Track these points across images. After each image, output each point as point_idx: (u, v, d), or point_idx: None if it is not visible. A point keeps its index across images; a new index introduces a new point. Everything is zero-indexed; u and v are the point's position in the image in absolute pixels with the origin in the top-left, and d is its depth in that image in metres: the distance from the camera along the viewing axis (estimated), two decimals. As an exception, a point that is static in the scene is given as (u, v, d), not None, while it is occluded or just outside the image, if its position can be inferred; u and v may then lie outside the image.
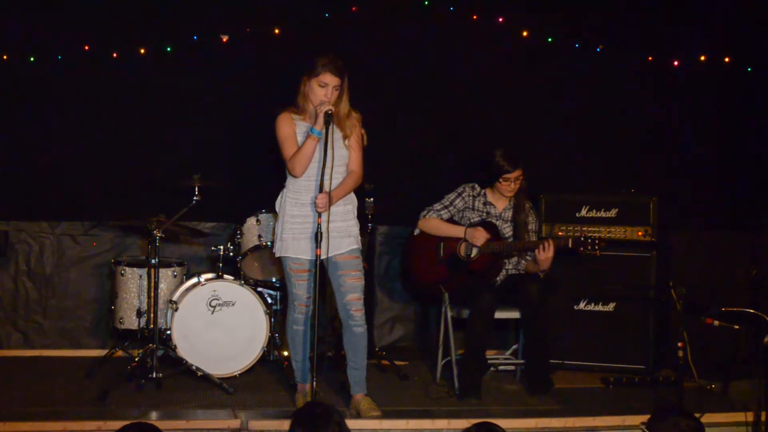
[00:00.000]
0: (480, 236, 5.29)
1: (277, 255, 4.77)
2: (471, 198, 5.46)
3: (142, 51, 5.93)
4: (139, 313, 5.51)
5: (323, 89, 4.59)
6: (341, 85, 4.63)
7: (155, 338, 5.23)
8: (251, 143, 5.89)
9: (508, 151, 5.32)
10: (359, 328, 4.76)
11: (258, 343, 5.39)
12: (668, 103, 6.44)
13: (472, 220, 5.44)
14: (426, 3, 6.22)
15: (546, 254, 5.16)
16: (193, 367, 5.23)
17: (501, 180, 5.34)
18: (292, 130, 4.69)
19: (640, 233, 5.77)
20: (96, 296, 6.07)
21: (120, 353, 5.62)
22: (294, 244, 4.70)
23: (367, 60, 5.99)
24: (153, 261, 5.29)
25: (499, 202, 5.48)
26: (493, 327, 5.33)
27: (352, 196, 4.80)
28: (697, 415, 4.67)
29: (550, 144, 6.32)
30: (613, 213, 5.83)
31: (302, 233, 4.67)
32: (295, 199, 4.69)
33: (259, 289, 5.68)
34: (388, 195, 5.84)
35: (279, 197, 4.79)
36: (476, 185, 5.49)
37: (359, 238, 4.78)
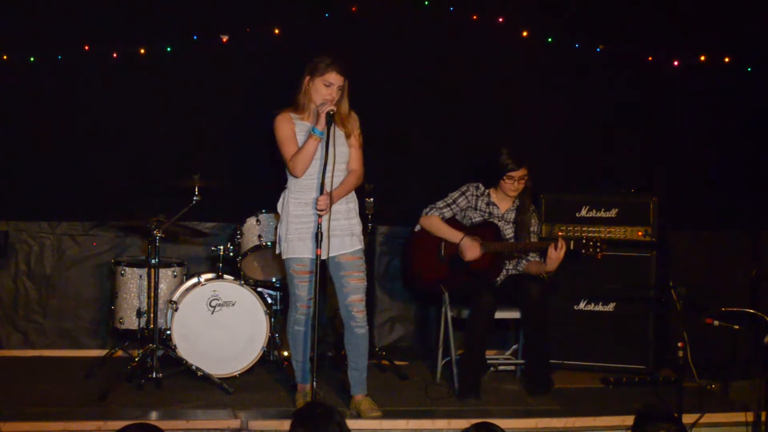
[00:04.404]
0: (473, 252, 5.27)
1: (284, 257, 4.75)
2: (474, 198, 5.46)
3: (142, 51, 5.93)
4: (139, 313, 5.51)
5: (328, 88, 4.58)
6: (344, 86, 4.62)
7: (155, 338, 5.22)
8: (251, 143, 5.89)
9: (515, 150, 5.32)
10: (361, 329, 4.76)
11: (258, 343, 5.39)
12: (668, 103, 6.43)
13: (474, 220, 5.44)
14: (426, 3, 6.22)
15: (558, 253, 5.15)
16: (193, 367, 5.23)
17: (505, 178, 5.33)
18: (291, 130, 4.68)
19: (640, 233, 5.77)
20: (96, 296, 6.06)
21: (120, 353, 5.62)
22: (300, 245, 4.68)
23: (367, 60, 5.99)
24: (153, 261, 5.29)
25: (503, 202, 5.47)
26: (493, 327, 5.33)
27: (353, 195, 4.80)
28: (697, 415, 4.72)
29: (550, 144, 6.32)
30: (613, 213, 5.83)
31: (308, 233, 4.65)
32: (298, 199, 4.68)
33: (259, 289, 5.68)
34: (388, 195, 5.84)
35: (281, 198, 4.78)
36: (480, 185, 5.49)
37: (362, 237, 4.78)
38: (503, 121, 6.26)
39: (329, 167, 4.53)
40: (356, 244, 4.72)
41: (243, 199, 5.85)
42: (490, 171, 5.40)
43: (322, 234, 4.50)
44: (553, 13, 6.30)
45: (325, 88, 4.58)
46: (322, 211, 4.51)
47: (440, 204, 5.44)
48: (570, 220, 5.86)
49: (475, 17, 6.25)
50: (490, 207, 5.46)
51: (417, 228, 5.49)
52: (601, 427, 4.75)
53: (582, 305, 5.85)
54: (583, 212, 5.86)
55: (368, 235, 5.63)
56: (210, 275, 5.53)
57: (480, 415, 4.52)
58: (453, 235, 5.36)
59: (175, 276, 5.63)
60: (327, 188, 4.53)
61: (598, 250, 5.16)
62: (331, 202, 4.57)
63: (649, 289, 5.73)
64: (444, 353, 5.47)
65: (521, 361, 5.51)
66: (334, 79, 4.58)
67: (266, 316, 5.39)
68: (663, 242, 5.85)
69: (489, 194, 5.47)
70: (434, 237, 5.43)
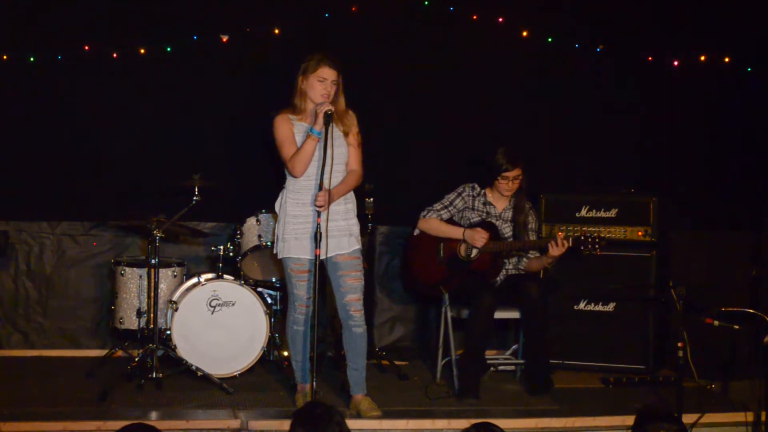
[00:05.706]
0: (479, 238, 5.28)
1: (280, 256, 4.76)
2: (471, 198, 5.46)
3: (142, 51, 5.93)
4: (139, 313, 5.51)
5: (322, 84, 4.59)
6: (338, 80, 4.63)
7: (155, 338, 5.22)
8: (251, 143, 5.89)
9: (510, 150, 5.32)
10: (359, 329, 4.76)
11: (258, 343, 5.39)
12: (668, 103, 6.43)
13: (471, 220, 5.44)
14: (426, 3, 6.22)
15: (557, 250, 5.15)
16: (193, 367, 5.23)
17: (499, 178, 5.34)
18: (290, 130, 4.69)
19: (640, 233, 5.77)
20: (96, 296, 6.06)
21: (120, 353, 5.62)
22: (297, 245, 4.69)
23: (366, 60, 5.99)
24: (153, 261, 5.29)
25: (499, 202, 5.47)
26: (493, 327, 5.33)
27: (352, 195, 4.80)
28: (697, 415, 4.72)
29: (550, 144, 6.32)
30: (613, 213, 5.83)
31: (305, 233, 4.66)
32: (296, 200, 4.68)
33: (259, 289, 5.68)
34: (388, 195, 5.84)
35: (279, 198, 4.78)
36: (476, 185, 5.49)
37: (359, 237, 4.78)
38: (503, 121, 6.26)
39: (327, 167, 4.53)
40: (354, 244, 4.72)
41: (243, 199, 5.85)
42: (485, 171, 5.40)
43: (321, 234, 4.50)
44: (553, 13, 6.29)
45: (320, 84, 4.59)
46: (320, 207, 4.51)
47: (437, 206, 5.44)
48: (570, 220, 5.86)
49: (475, 17, 6.25)
50: (487, 207, 5.46)
51: (416, 232, 5.49)
52: (601, 427, 4.75)
53: (582, 305, 5.85)
54: (583, 212, 5.86)
55: (368, 235, 5.64)
56: (210, 275, 5.53)
57: (480, 415, 4.52)
58: (454, 232, 5.36)
59: (175, 276, 5.63)
60: (326, 186, 4.53)
61: (597, 246, 5.16)
62: (331, 200, 4.57)
63: (649, 289, 5.73)
64: (444, 353, 5.47)
65: (521, 361, 5.51)
66: (327, 73, 4.59)
67: (266, 316, 5.39)
68: (663, 242, 5.85)
69: (485, 194, 5.47)
70: (433, 239, 5.43)
